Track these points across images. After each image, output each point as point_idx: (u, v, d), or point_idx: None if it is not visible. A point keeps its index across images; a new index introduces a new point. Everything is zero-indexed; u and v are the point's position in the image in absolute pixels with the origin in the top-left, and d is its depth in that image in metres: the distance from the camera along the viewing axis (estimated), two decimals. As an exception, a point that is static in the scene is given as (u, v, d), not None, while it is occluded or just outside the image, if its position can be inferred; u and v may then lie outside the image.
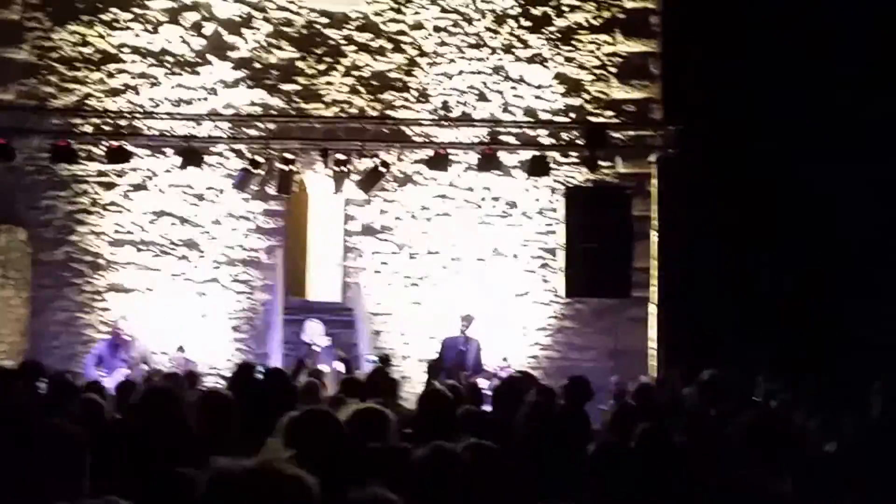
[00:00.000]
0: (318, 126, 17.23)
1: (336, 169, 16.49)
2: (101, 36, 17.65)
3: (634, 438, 5.83)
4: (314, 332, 14.85)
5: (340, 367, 14.10)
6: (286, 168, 16.41)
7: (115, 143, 16.47)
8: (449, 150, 16.91)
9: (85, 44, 17.63)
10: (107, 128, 17.11)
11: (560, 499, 5.10)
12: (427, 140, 17.34)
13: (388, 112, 17.74)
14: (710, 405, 9.56)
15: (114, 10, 17.66)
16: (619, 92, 18.04)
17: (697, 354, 14.90)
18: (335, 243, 18.08)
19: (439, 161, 16.76)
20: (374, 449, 4.87)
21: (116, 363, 14.57)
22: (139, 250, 17.52)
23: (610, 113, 17.97)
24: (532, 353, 17.54)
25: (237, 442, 6.20)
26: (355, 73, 17.84)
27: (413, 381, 15.26)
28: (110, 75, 17.64)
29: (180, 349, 15.61)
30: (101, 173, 17.46)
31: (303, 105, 17.72)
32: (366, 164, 16.72)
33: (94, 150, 17.11)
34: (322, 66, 17.82)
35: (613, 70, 18.06)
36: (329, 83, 17.80)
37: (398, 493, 3.68)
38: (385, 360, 14.39)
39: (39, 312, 17.42)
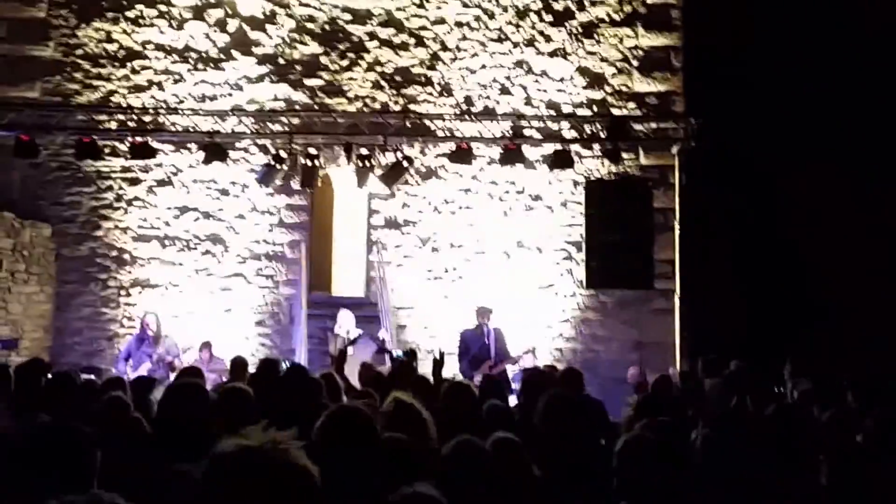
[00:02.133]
0: (341, 121, 17.26)
1: (359, 163, 16.51)
2: (126, 33, 17.77)
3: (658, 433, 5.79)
4: (347, 323, 14.87)
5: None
6: (310, 163, 16.46)
7: (139, 139, 16.54)
8: (472, 144, 16.93)
9: (110, 41, 17.76)
10: (131, 124, 17.18)
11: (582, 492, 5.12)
12: (450, 134, 17.35)
13: (411, 107, 17.80)
14: (733, 396, 9.57)
15: (139, 7, 17.81)
16: (641, 85, 18.09)
17: (721, 346, 14.88)
18: (359, 238, 18.15)
19: (462, 155, 16.79)
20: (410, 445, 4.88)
21: (142, 357, 14.61)
22: (163, 245, 17.60)
23: (632, 105, 18.02)
24: (556, 345, 17.57)
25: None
26: (378, 68, 17.93)
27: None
28: (135, 72, 17.76)
29: (206, 346, 15.60)
30: (125, 169, 17.57)
31: (326, 100, 17.80)
32: (389, 158, 16.76)
33: (119, 146, 17.20)
34: (345, 62, 17.92)
35: (635, 63, 18.11)
36: (352, 78, 17.90)
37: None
38: (412, 354, 14.33)
39: (63, 308, 17.49)
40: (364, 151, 16.48)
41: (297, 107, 17.71)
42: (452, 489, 4.33)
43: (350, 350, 13.79)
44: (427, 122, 17.48)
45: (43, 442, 4.02)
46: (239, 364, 11.19)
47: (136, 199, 17.66)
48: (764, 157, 18.07)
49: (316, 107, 17.71)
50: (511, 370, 14.81)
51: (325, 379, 8.69)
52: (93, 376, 12.66)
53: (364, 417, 4.52)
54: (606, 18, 18.13)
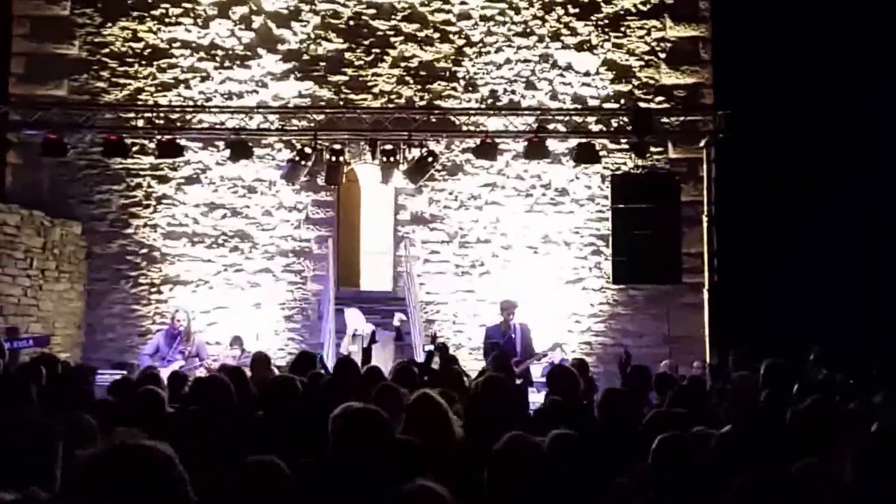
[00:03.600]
0: (366, 117, 17.24)
1: (384, 159, 16.50)
2: (152, 31, 17.83)
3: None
4: (357, 321, 14.85)
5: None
6: (335, 159, 16.44)
7: (167, 137, 16.58)
8: (497, 139, 16.85)
9: (135, 39, 17.82)
10: (158, 122, 17.24)
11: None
12: (475, 129, 17.28)
13: (436, 102, 17.75)
14: (763, 390, 9.46)
15: (164, 5, 17.85)
16: (668, 77, 17.95)
17: (751, 340, 14.77)
18: (386, 233, 18.15)
19: (487, 150, 16.71)
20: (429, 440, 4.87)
21: (172, 354, 14.61)
22: (192, 243, 17.68)
23: (660, 98, 17.88)
24: (585, 339, 17.50)
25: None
26: (403, 63, 17.89)
27: (467, 369, 15.21)
28: (161, 70, 17.82)
29: (236, 340, 15.63)
30: (153, 167, 17.65)
31: (351, 96, 17.80)
32: (414, 153, 16.72)
33: (147, 143, 17.27)
34: (370, 57, 17.89)
35: (663, 55, 17.97)
36: (377, 74, 17.87)
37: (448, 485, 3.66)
38: (443, 348, 14.18)
39: (95, 305, 17.64)
40: (389, 147, 16.46)
41: (322, 103, 17.71)
42: (504, 485, 4.38)
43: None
44: (452, 117, 17.44)
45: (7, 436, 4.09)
46: (261, 360, 11.16)
47: (165, 196, 17.74)
48: (794, 149, 17.88)
49: (341, 103, 17.71)
50: (537, 366, 14.74)
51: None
52: (125, 372, 12.81)
53: (377, 418, 4.59)
54: (633, 10, 17.99)
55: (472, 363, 15.91)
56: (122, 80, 17.80)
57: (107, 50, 17.82)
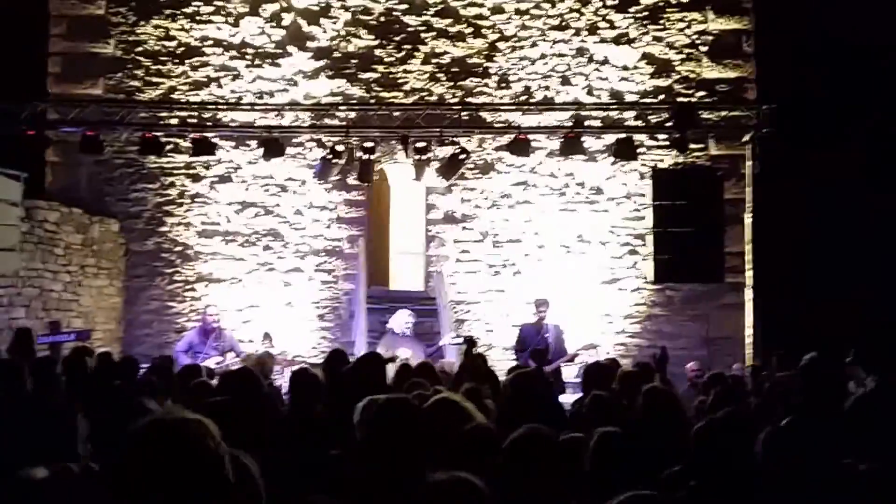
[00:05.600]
0: (397, 114, 17.03)
1: (416, 157, 16.29)
2: (184, 29, 17.85)
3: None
4: (400, 322, 14.75)
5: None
6: (367, 157, 16.31)
7: (199, 135, 16.58)
8: (531, 136, 16.52)
9: (168, 38, 17.85)
10: (192, 120, 17.26)
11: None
12: (508, 126, 16.98)
13: (469, 98, 17.47)
14: (809, 391, 9.14)
15: (196, 3, 17.84)
16: (710, 71, 17.46)
17: (795, 341, 14.33)
18: (417, 232, 17.98)
19: (521, 147, 16.39)
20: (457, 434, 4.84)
21: (207, 350, 14.70)
22: (225, 241, 17.71)
23: (701, 93, 17.42)
24: (620, 340, 17.16)
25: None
26: (434, 59, 17.63)
27: (497, 369, 14.98)
28: (194, 68, 17.83)
29: (266, 337, 15.66)
30: (187, 165, 17.71)
31: (382, 93, 17.61)
32: (446, 151, 16.49)
33: (181, 142, 17.32)
34: (401, 54, 17.67)
35: (704, 49, 17.48)
36: (408, 70, 17.65)
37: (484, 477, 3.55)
38: (471, 342, 13.79)
39: (132, 301, 17.83)
40: (421, 145, 16.25)
41: (353, 100, 17.57)
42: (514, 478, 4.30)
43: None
44: (485, 113, 17.18)
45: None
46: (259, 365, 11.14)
47: (199, 195, 17.80)
48: (838, 144, 17.33)
49: (372, 100, 17.55)
50: (569, 368, 14.50)
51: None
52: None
53: (409, 407, 4.71)
54: (673, 2, 17.47)
55: (505, 363, 15.72)
56: (155, 79, 17.86)
57: (141, 48, 17.87)
